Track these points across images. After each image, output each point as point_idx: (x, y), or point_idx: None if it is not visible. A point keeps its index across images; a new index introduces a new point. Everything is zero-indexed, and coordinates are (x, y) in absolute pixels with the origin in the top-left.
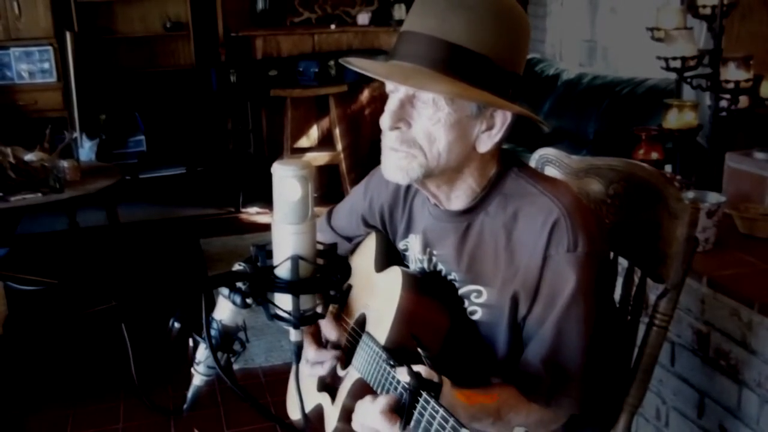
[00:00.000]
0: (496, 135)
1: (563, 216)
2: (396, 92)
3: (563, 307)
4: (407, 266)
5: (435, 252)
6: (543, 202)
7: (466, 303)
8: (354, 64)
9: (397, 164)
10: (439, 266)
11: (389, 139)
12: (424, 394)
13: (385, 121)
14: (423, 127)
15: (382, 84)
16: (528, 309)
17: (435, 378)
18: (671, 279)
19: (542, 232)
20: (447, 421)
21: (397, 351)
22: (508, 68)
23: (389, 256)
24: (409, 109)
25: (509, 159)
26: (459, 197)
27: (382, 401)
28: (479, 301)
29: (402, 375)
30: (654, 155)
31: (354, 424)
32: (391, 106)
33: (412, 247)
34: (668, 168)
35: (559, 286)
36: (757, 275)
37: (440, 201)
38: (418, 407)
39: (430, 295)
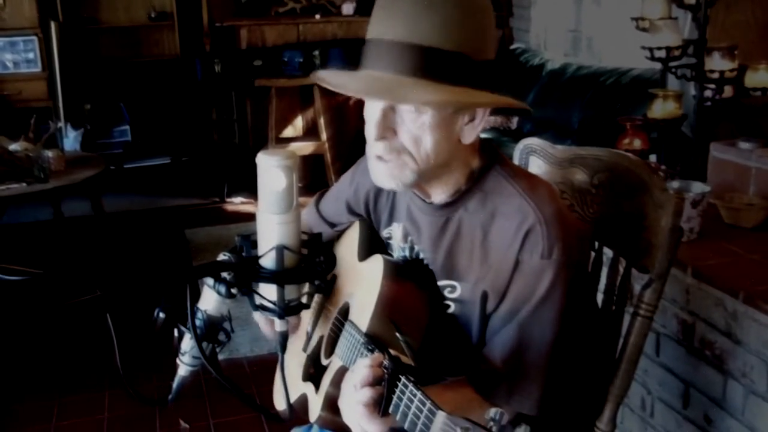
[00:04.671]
0: (478, 125)
1: (539, 223)
2: (377, 102)
3: (530, 311)
4: (390, 255)
5: (415, 241)
6: (520, 204)
7: None
8: (328, 81)
9: (389, 173)
10: (421, 255)
11: (376, 149)
12: (403, 378)
13: (371, 132)
14: (409, 132)
15: None
16: (495, 307)
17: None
18: (656, 269)
19: (516, 235)
20: (424, 404)
21: (378, 340)
22: (482, 58)
23: (372, 244)
24: (393, 117)
25: (491, 153)
26: (444, 191)
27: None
28: (453, 296)
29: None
30: (638, 145)
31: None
32: (374, 116)
33: (395, 235)
34: (653, 158)
35: (529, 290)
36: (742, 265)
37: (427, 194)
38: (397, 391)
39: (410, 283)
